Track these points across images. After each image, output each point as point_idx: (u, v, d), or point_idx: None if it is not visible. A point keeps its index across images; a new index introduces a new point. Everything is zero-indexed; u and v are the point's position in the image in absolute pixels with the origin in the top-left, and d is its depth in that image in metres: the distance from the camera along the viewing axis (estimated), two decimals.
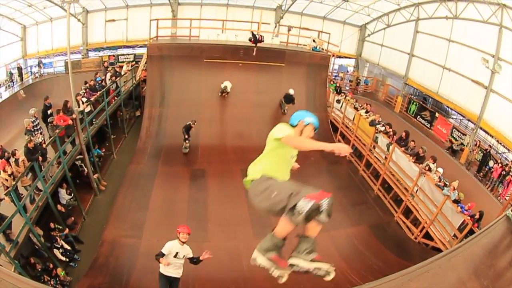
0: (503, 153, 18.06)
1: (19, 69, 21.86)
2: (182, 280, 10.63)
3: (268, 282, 11.08)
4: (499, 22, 17.29)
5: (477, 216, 11.98)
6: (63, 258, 11.38)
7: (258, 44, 18.75)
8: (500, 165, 16.42)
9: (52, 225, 11.82)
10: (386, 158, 15.93)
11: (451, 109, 22.25)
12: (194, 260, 7.70)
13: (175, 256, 7.55)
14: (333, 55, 22.73)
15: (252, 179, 4.00)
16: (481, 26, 18.62)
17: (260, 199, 3.74)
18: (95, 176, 14.95)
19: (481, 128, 19.18)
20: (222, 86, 18.30)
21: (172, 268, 7.66)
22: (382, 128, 16.58)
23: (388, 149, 15.81)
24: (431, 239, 13.01)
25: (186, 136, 16.55)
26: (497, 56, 17.77)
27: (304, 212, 3.29)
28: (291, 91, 18.76)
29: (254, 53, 18.95)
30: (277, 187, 3.71)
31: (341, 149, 3.32)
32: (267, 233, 11.74)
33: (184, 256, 7.66)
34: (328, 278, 3.64)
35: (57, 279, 10.51)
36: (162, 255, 7.47)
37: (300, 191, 3.44)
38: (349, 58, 31.09)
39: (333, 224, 13.81)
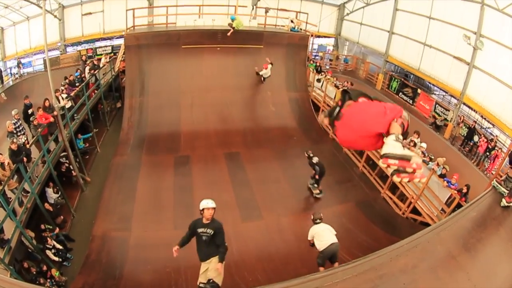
0: (488, 128, 18.31)
1: None
2: (174, 268, 10.60)
3: (260, 264, 11.21)
4: (481, 0, 17.32)
5: (464, 190, 12.08)
6: (56, 259, 11.31)
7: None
8: (485, 140, 16.66)
9: (42, 226, 11.71)
10: None
11: (433, 85, 22.46)
12: None
13: None
14: (312, 35, 22.67)
15: None
16: (462, 4, 18.67)
17: None
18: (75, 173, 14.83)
19: (464, 104, 19.37)
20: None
21: None
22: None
23: None
24: (419, 214, 13.16)
25: None
26: (479, 33, 17.86)
27: None
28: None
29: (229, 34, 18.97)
30: None
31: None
32: (253, 216, 11.58)
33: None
34: None
35: (53, 280, 10.46)
36: None
37: None
38: (328, 37, 31.03)
39: (320, 202, 13.95)
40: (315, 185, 14.37)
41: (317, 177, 14.11)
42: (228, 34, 18.78)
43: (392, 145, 3.32)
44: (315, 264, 9.09)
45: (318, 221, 9.94)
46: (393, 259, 4.82)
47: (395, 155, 3.25)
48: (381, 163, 3.35)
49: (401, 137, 3.40)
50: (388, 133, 3.47)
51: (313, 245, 9.65)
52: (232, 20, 18.60)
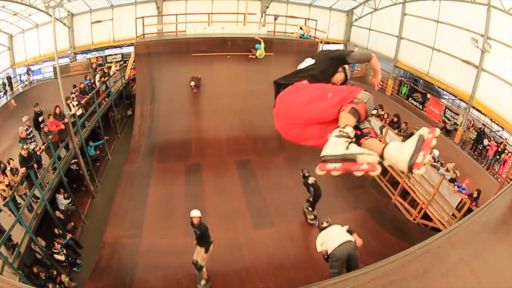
0: (497, 131, 18.15)
1: (9, 79, 21.49)
2: (185, 275, 10.64)
3: (270, 270, 11.18)
4: (487, 2, 17.21)
5: (475, 195, 11.97)
6: (63, 258, 11.39)
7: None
8: (495, 143, 16.53)
9: (56, 231, 11.82)
10: (380, 140, 15.82)
11: (442, 89, 22.29)
12: None
13: None
14: (321, 42, 22.66)
15: None
16: (469, 6, 18.55)
17: None
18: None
19: (473, 107, 19.22)
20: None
21: None
22: (374, 112, 16.52)
23: (381, 132, 15.80)
24: (430, 219, 13.06)
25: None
26: (487, 35, 17.74)
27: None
28: None
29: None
30: None
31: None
32: (265, 224, 11.61)
33: None
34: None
35: (62, 286, 10.55)
36: None
37: None
38: (337, 43, 30.84)
39: (331, 209, 13.85)
40: (310, 209, 13.25)
41: (311, 199, 13.04)
42: (249, 56, 19.06)
43: (331, 143, 2.69)
44: (328, 272, 8.77)
45: (325, 224, 8.73)
46: (405, 265, 4.79)
47: (335, 156, 2.64)
48: (317, 171, 2.71)
49: (348, 129, 2.71)
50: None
51: (327, 258, 8.14)
52: (257, 48, 18.57)
